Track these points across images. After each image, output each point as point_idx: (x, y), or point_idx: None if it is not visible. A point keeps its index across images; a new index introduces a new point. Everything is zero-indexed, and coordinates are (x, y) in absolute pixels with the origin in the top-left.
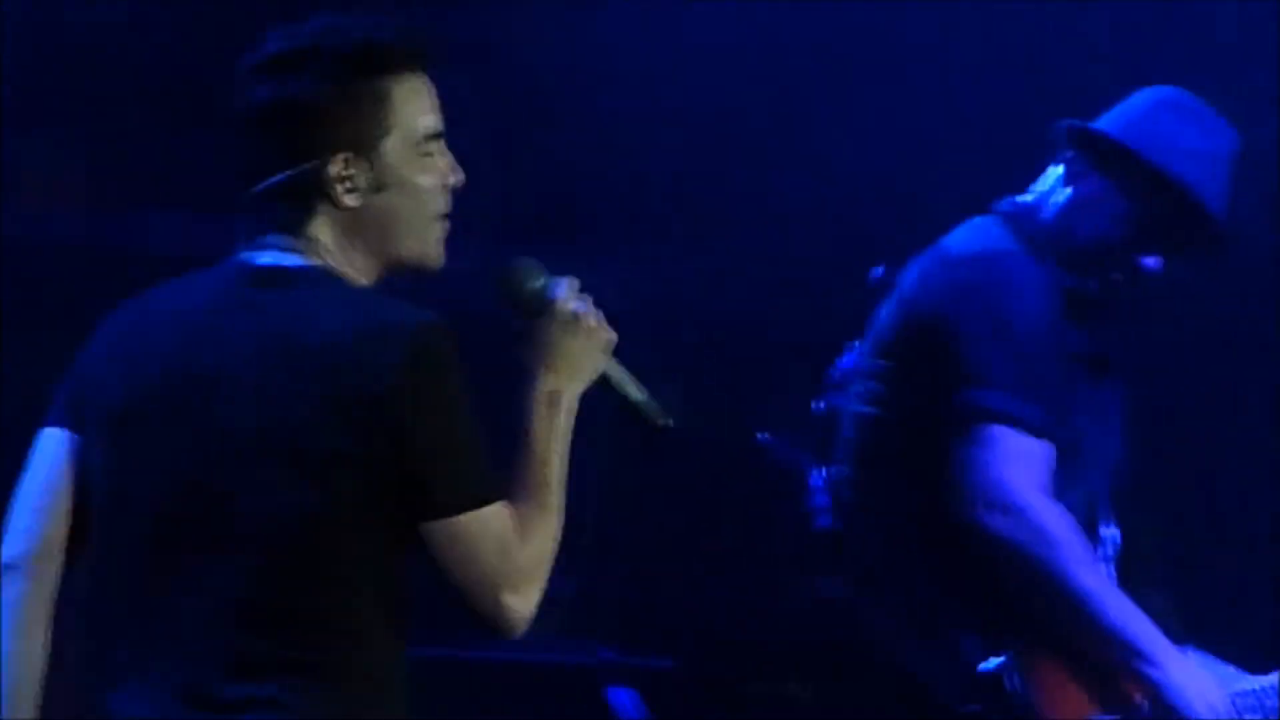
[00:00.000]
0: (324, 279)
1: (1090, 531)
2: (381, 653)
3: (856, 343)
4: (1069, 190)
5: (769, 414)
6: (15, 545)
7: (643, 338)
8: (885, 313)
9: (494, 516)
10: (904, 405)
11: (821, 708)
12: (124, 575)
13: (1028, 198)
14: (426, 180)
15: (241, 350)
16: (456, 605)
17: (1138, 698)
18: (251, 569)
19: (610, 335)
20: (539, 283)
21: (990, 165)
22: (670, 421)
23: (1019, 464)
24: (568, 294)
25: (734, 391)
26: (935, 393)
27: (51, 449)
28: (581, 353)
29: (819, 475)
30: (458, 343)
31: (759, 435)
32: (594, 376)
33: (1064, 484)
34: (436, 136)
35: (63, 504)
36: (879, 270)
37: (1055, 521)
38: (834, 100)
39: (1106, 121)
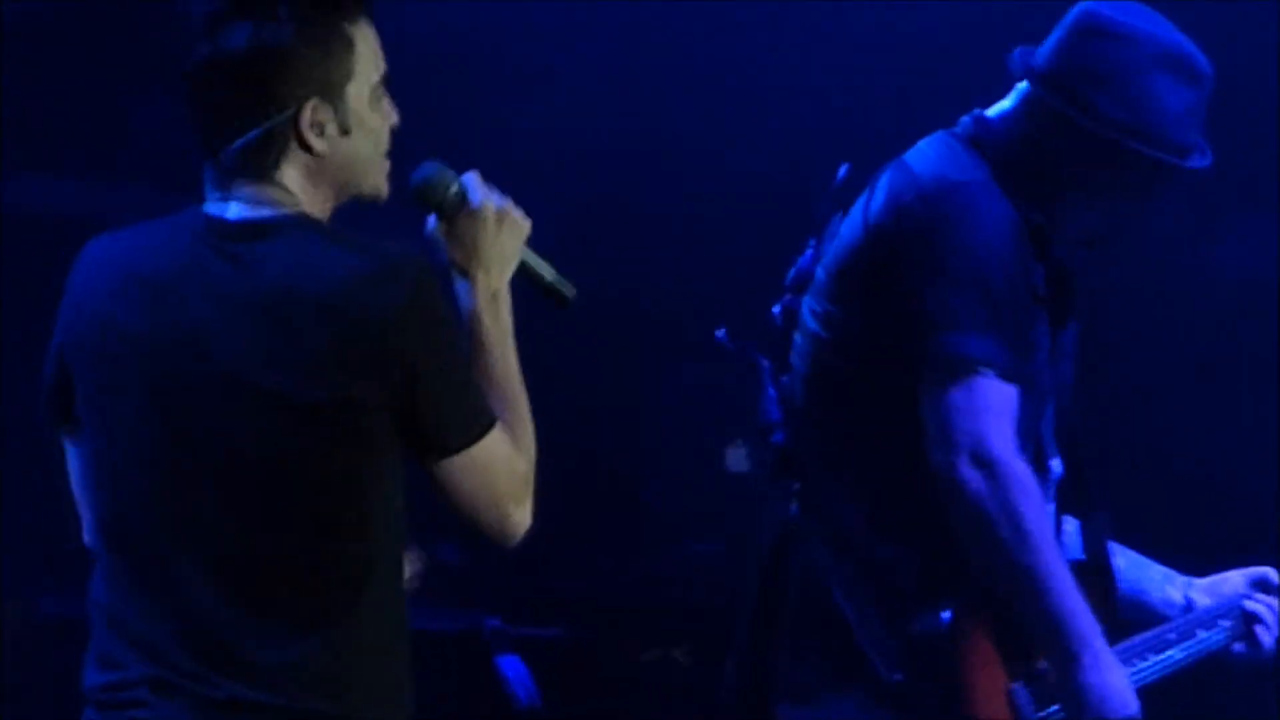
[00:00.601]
0: (303, 226)
1: (1038, 464)
2: (392, 591)
3: (813, 241)
4: (1036, 126)
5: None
6: (89, 534)
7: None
8: (848, 228)
9: (496, 439)
10: (863, 338)
11: (705, 672)
12: (134, 542)
13: (991, 116)
14: (381, 122)
15: (228, 306)
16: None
17: (1052, 677)
18: (263, 521)
19: (528, 222)
20: (455, 186)
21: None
22: (573, 294)
23: (996, 415)
24: (485, 191)
25: (621, 365)
26: (898, 330)
27: (70, 455)
28: (510, 246)
29: (772, 386)
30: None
31: (717, 333)
32: (517, 262)
33: (1019, 419)
34: (385, 81)
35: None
36: (844, 169)
37: (1029, 485)
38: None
39: (1080, 71)
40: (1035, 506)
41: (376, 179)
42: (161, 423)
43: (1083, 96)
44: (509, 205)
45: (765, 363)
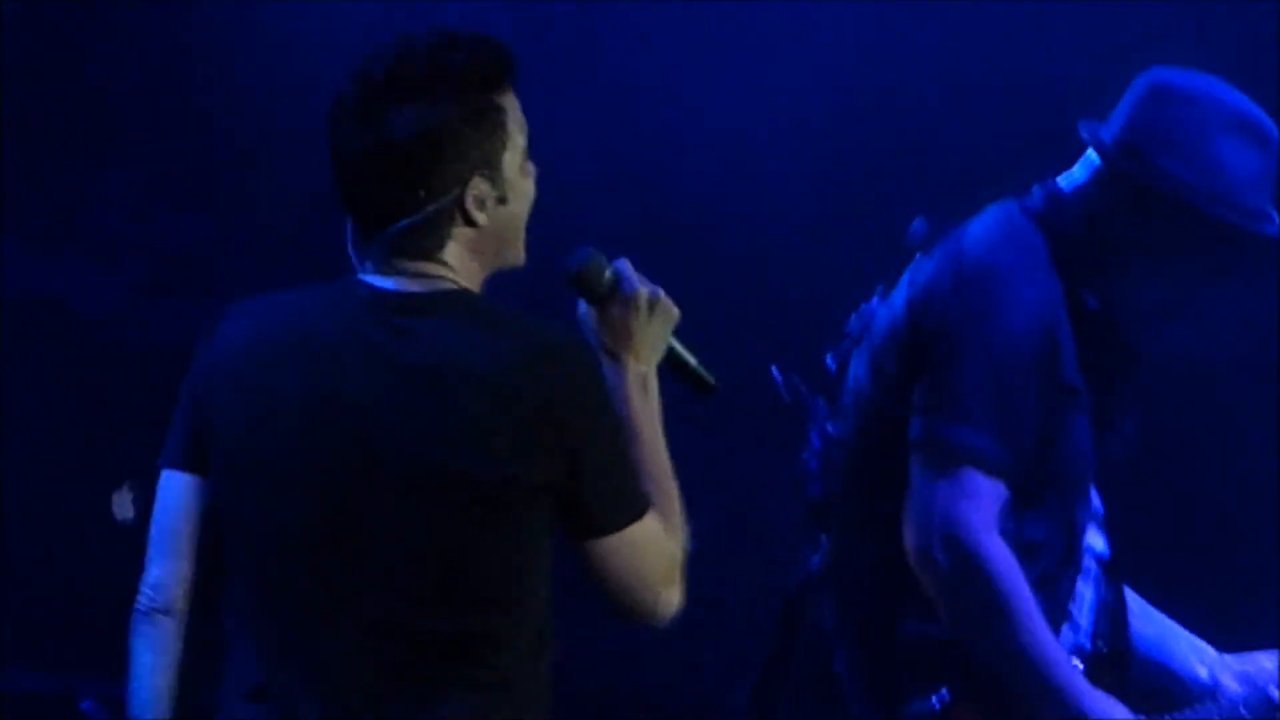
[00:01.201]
0: (465, 301)
1: (1069, 550)
2: (540, 665)
3: (880, 289)
4: (1106, 197)
5: None
6: (156, 593)
7: None
8: (898, 292)
9: (650, 522)
10: (889, 406)
11: None
12: (275, 611)
13: (1062, 187)
14: (531, 188)
15: (393, 378)
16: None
17: None
18: (417, 594)
19: (676, 310)
20: (609, 273)
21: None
22: (716, 382)
23: (976, 503)
24: (637, 279)
25: None
26: (911, 407)
27: (176, 492)
28: (660, 333)
29: (817, 435)
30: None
31: (773, 369)
32: (665, 349)
33: (1040, 510)
34: (529, 147)
35: (193, 548)
36: (919, 224)
37: (1005, 570)
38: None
39: (1150, 136)
40: (1006, 591)
41: (522, 247)
42: (318, 491)
43: (1152, 161)
44: (660, 293)
45: (820, 408)
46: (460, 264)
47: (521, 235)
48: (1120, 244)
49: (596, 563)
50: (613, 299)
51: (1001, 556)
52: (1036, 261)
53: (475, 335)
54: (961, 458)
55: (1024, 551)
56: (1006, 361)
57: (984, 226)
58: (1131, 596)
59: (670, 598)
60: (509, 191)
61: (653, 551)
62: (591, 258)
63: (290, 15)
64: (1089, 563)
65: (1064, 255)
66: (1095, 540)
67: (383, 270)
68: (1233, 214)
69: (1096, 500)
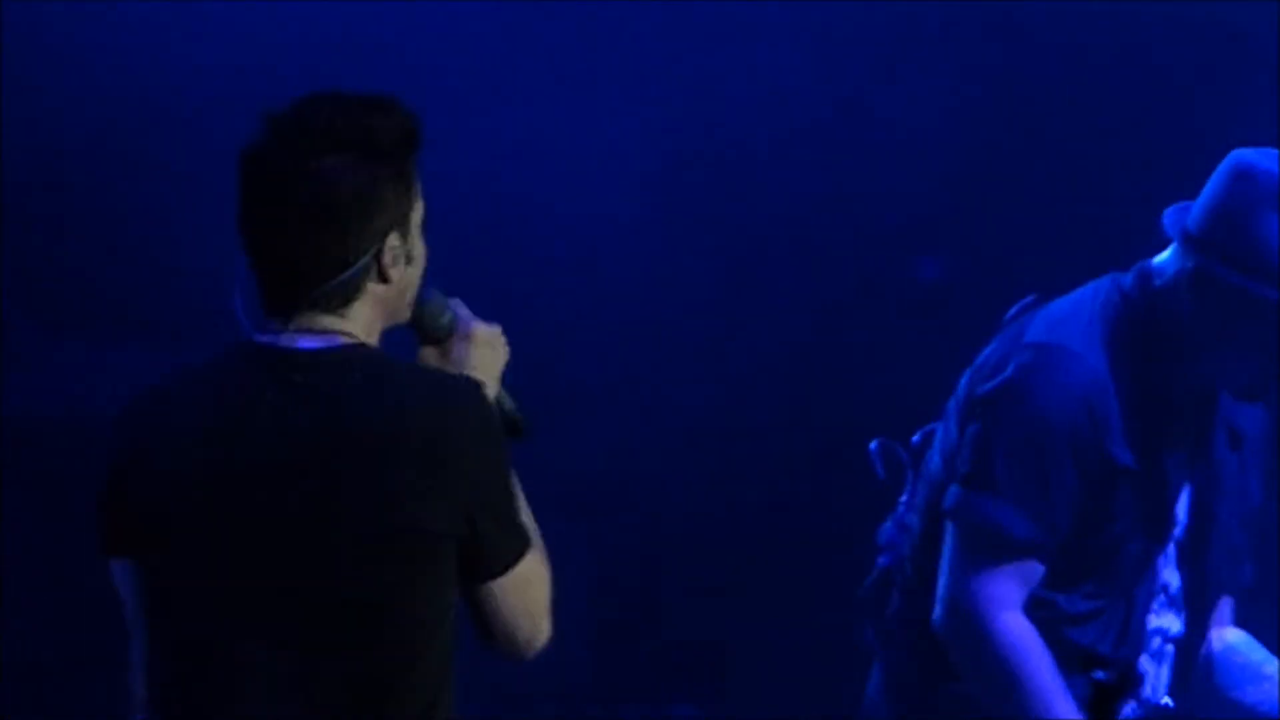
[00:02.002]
0: (364, 357)
1: (1125, 628)
2: (445, 714)
3: (968, 373)
4: (1173, 278)
5: None
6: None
7: None
8: (970, 370)
9: (533, 553)
10: (949, 478)
11: None
12: (195, 672)
13: (1154, 266)
14: (424, 251)
15: (306, 437)
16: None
17: None
18: (333, 651)
19: (499, 334)
20: (449, 313)
21: None
22: (529, 427)
23: (998, 578)
24: (470, 315)
25: None
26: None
27: (125, 579)
28: (496, 366)
29: (906, 505)
30: None
31: (875, 441)
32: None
33: (1088, 584)
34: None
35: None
36: (1016, 309)
37: (1019, 645)
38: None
39: (1204, 215)
40: (1017, 666)
41: (409, 307)
42: (233, 555)
43: (1201, 238)
44: (497, 329)
45: (910, 480)
46: (364, 322)
47: (414, 295)
48: (1191, 322)
49: (488, 603)
50: (450, 337)
51: (1017, 632)
52: (1093, 340)
53: (374, 389)
54: (989, 531)
55: (1068, 623)
56: (1041, 439)
57: (1060, 304)
58: (1240, 660)
59: (547, 628)
60: (414, 251)
61: (536, 584)
62: (431, 299)
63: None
64: (1158, 643)
65: (1143, 334)
66: (1166, 620)
67: (288, 327)
68: (1263, 284)
69: (1169, 576)
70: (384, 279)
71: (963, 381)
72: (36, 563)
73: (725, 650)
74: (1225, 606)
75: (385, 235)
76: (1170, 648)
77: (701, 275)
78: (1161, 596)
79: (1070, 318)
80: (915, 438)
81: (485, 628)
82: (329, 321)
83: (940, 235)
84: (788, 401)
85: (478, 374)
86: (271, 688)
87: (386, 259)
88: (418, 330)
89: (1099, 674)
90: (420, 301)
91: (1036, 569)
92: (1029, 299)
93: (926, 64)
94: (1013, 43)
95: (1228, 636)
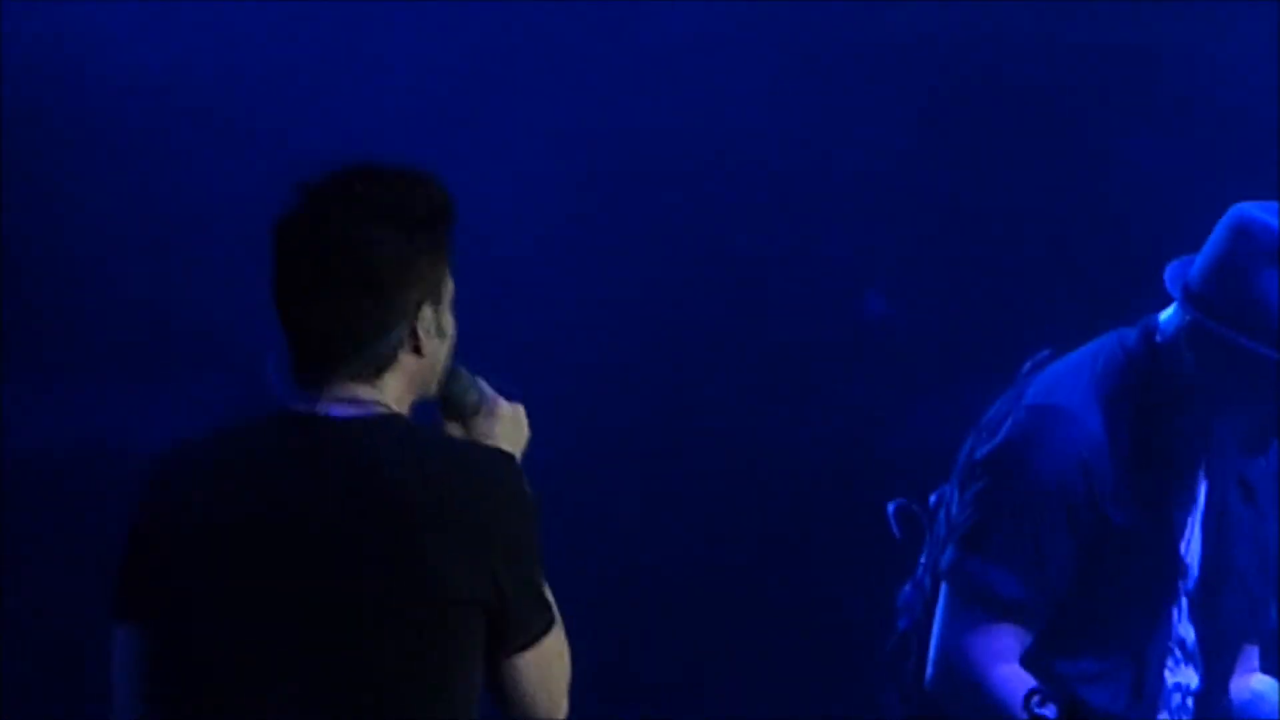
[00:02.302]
0: (399, 427)
1: (1141, 682)
2: None
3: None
4: (1174, 334)
5: None
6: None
7: None
8: (974, 430)
9: (557, 631)
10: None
11: None
12: None
13: (1160, 322)
14: (453, 326)
15: (343, 505)
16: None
17: None
18: (358, 717)
19: (527, 424)
20: (474, 392)
21: None
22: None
23: (989, 639)
24: (494, 393)
25: None
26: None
27: (139, 645)
28: (519, 444)
29: (924, 568)
30: None
31: (895, 501)
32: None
33: (1092, 642)
34: None
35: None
36: (1044, 355)
37: (1015, 691)
38: None
39: (1203, 272)
40: (1013, 709)
41: (438, 382)
42: (265, 621)
43: (1199, 296)
44: (518, 407)
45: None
46: (396, 393)
47: (443, 368)
48: (1191, 377)
49: (510, 676)
50: (477, 415)
51: (1014, 681)
52: (1092, 400)
53: (408, 456)
54: (980, 592)
55: (1078, 682)
56: (1034, 502)
57: (1063, 362)
58: (1267, 708)
59: (565, 706)
60: (445, 324)
61: (558, 662)
62: (459, 375)
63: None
64: (1179, 700)
65: (1146, 389)
66: (1184, 675)
67: (321, 395)
68: (1260, 344)
69: (1183, 630)
70: (417, 351)
71: (966, 442)
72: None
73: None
74: (1251, 654)
75: (420, 306)
76: (1191, 702)
77: (636, 301)
78: (1178, 652)
79: (1070, 377)
80: (932, 498)
81: (504, 701)
82: (362, 391)
83: (886, 269)
84: (724, 419)
85: (505, 446)
86: None
87: (421, 330)
88: (443, 406)
89: None
90: (448, 378)
91: (1029, 631)
92: (1044, 354)
93: (874, 94)
94: (962, 76)
95: (1253, 684)
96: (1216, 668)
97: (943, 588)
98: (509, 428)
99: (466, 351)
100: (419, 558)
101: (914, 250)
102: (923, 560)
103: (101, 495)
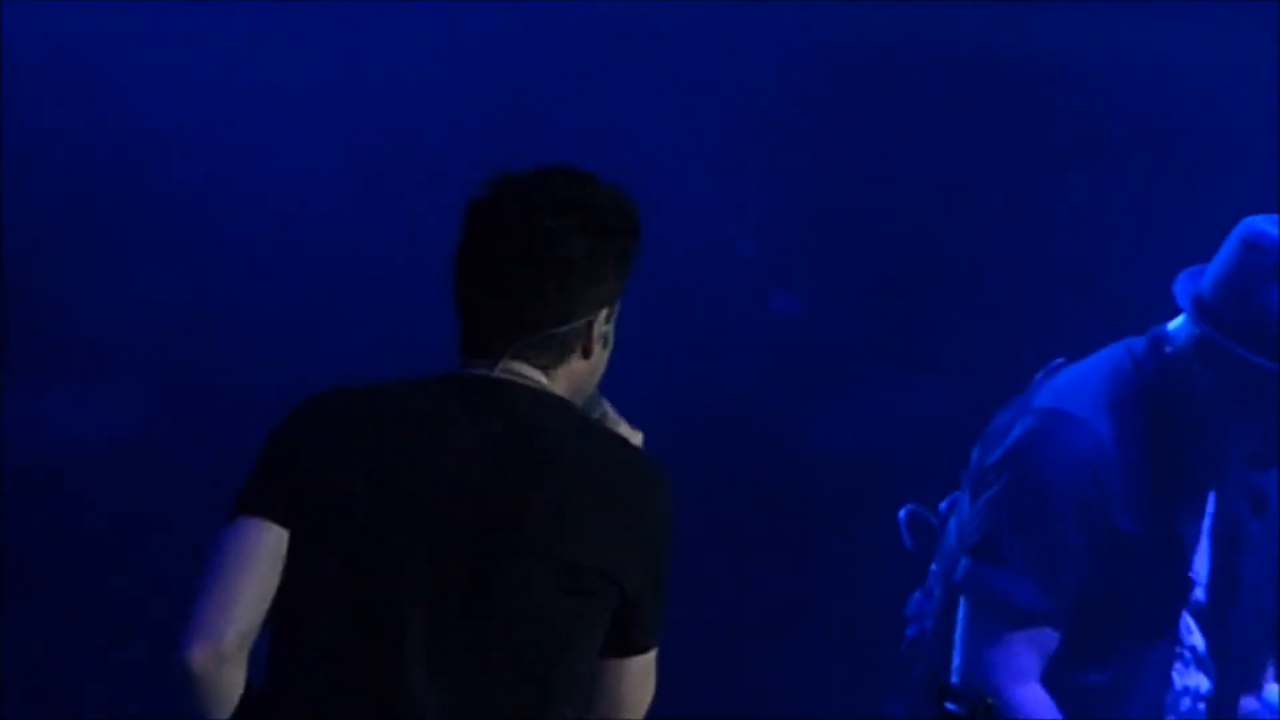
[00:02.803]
0: (568, 406)
1: (1149, 694)
2: None
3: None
4: (1183, 345)
5: None
6: (236, 637)
7: None
8: (982, 438)
9: (655, 655)
10: (957, 550)
11: None
12: (352, 675)
13: (1170, 332)
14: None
15: (509, 460)
16: None
17: None
18: (495, 672)
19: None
20: (600, 409)
21: None
22: None
23: (1008, 650)
24: (618, 416)
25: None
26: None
27: (269, 543)
28: None
29: (934, 575)
30: None
31: (907, 508)
32: None
33: (1104, 652)
34: None
35: (268, 600)
36: (1058, 363)
37: (1035, 713)
38: None
39: (1211, 285)
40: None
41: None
42: (428, 561)
43: (1207, 308)
44: (638, 434)
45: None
46: (560, 390)
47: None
48: (1199, 390)
49: (611, 680)
50: None
51: (1034, 702)
52: (1101, 406)
53: (577, 435)
54: (999, 602)
55: (1090, 696)
56: (1045, 506)
57: (1072, 369)
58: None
59: None
60: (610, 336)
61: (648, 683)
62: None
63: None
64: (1189, 704)
65: (1154, 399)
66: (1194, 679)
67: (492, 364)
68: (1267, 358)
69: (1194, 637)
70: (586, 353)
71: (976, 450)
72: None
73: None
74: (1268, 666)
75: (599, 308)
76: (1201, 707)
77: None
78: (1187, 656)
79: (1080, 383)
80: (942, 505)
81: (590, 703)
82: (532, 374)
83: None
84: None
85: None
86: (430, 688)
87: (595, 331)
88: None
89: None
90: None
91: (1051, 636)
92: (1057, 361)
93: (786, 95)
94: (870, 78)
95: (1266, 693)
96: (1228, 675)
97: (961, 602)
98: None
99: None
100: (579, 525)
101: (822, 249)
102: (933, 568)
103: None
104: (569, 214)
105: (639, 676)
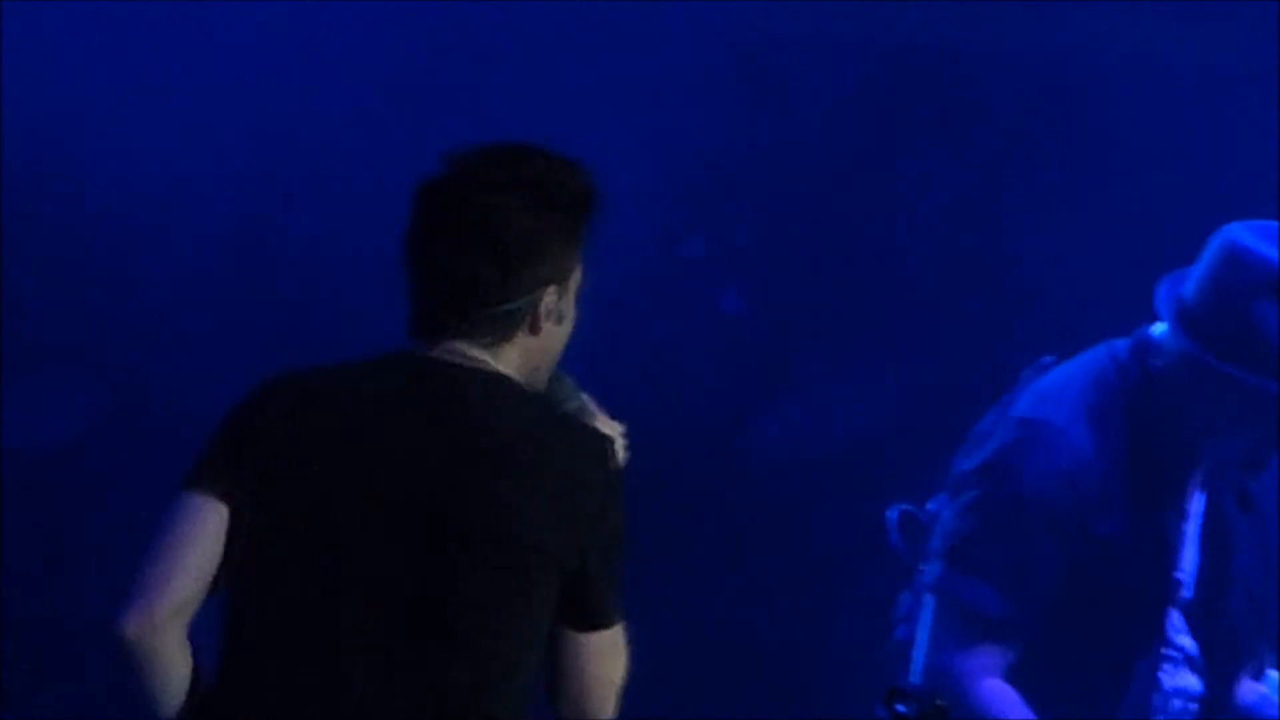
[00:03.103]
0: (508, 383)
1: (1135, 697)
2: None
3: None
4: (1169, 354)
5: None
6: (168, 607)
7: None
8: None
9: (621, 630)
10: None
11: None
12: (293, 650)
13: (1154, 338)
14: (574, 316)
15: (443, 437)
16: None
17: None
18: (440, 655)
19: (627, 447)
20: (576, 400)
21: None
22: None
23: (973, 652)
24: (597, 411)
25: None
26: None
27: (208, 518)
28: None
29: (919, 576)
30: None
31: (897, 507)
32: None
33: (1084, 657)
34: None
35: (210, 574)
36: (1047, 362)
37: (1000, 702)
38: None
39: (1197, 298)
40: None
41: (550, 372)
42: (359, 533)
43: (1193, 324)
44: (619, 428)
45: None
46: (509, 366)
47: (557, 359)
48: (1188, 405)
49: (574, 658)
50: None
51: (998, 692)
52: (1080, 413)
53: (517, 411)
54: (967, 609)
55: (1072, 701)
56: (1019, 517)
57: (1053, 374)
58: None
59: (614, 710)
60: (567, 312)
61: (617, 660)
62: (563, 379)
63: None
64: (1177, 703)
65: (1138, 408)
66: (1183, 679)
67: (437, 345)
68: (1254, 375)
69: (1183, 640)
70: (534, 329)
71: (959, 451)
72: None
73: None
74: (1265, 659)
75: (545, 285)
76: (1193, 707)
77: None
78: (1177, 657)
79: (1059, 390)
80: (930, 506)
81: (559, 684)
82: (476, 353)
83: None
84: None
85: None
86: (366, 667)
87: (541, 309)
88: None
89: None
90: (552, 381)
91: (1015, 646)
92: (1046, 360)
93: (736, 94)
94: (822, 76)
95: (1268, 680)
96: (1225, 673)
97: (928, 603)
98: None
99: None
100: (509, 503)
101: (771, 249)
102: (922, 568)
103: None
104: (509, 191)
105: (603, 654)
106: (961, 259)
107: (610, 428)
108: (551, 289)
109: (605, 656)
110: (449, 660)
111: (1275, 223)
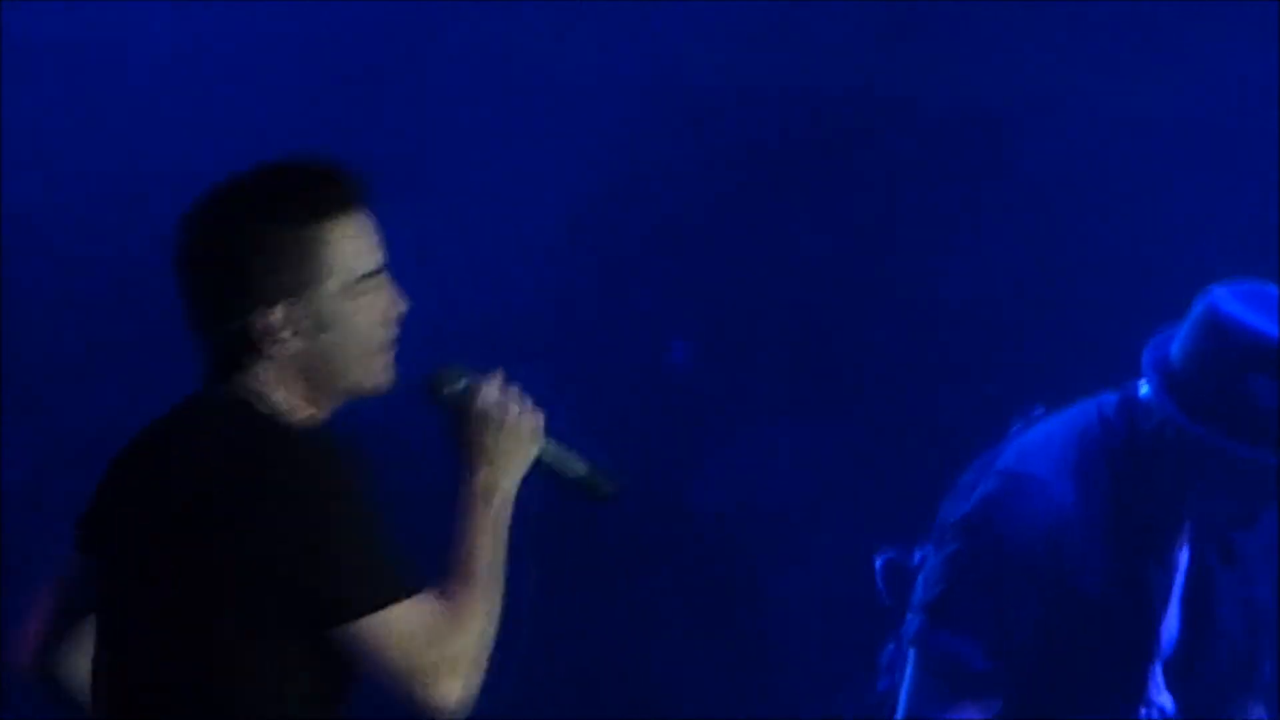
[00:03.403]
0: (218, 410)
1: None
2: None
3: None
4: (1155, 416)
5: None
6: (44, 645)
7: None
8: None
9: (401, 616)
10: None
11: None
12: (99, 662)
13: (1141, 398)
14: (366, 318)
15: (157, 477)
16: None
17: None
18: (156, 674)
19: (537, 421)
20: (459, 385)
21: None
22: (615, 488)
23: (952, 707)
24: (487, 392)
25: None
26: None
27: (74, 569)
28: (509, 446)
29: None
30: (329, 448)
31: (883, 555)
32: (528, 463)
33: (1065, 709)
34: (375, 274)
35: (81, 615)
36: (1038, 413)
37: None
38: None
39: (1181, 364)
40: None
41: (365, 375)
42: (120, 575)
43: (1178, 392)
44: (515, 404)
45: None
46: (281, 387)
47: (361, 364)
48: (1176, 469)
49: (349, 648)
50: (469, 414)
51: None
52: (1064, 468)
53: (205, 437)
54: (947, 663)
55: None
56: (1000, 571)
57: (1039, 428)
58: None
59: (445, 693)
60: (329, 320)
61: (406, 646)
62: (446, 369)
63: None
64: None
65: (1123, 467)
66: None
67: (206, 380)
68: (1249, 447)
69: (1163, 696)
70: (267, 348)
71: (944, 505)
72: None
73: None
74: (1255, 710)
75: (263, 305)
76: None
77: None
78: (1156, 716)
79: (1044, 444)
80: (916, 555)
81: (367, 675)
82: (234, 380)
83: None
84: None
85: (485, 452)
86: (116, 687)
87: (274, 322)
88: (430, 399)
89: None
90: (434, 376)
91: (995, 700)
92: (1036, 410)
93: (683, 144)
94: (771, 126)
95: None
96: None
97: (909, 655)
98: (505, 438)
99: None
100: (192, 529)
101: (719, 301)
102: (909, 618)
103: None
104: (226, 213)
105: (384, 641)
106: (906, 309)
107: (520, 422)
108: (278, 306)
109: (387, 642)
110: (179, 695)
111: (1256, 284)
